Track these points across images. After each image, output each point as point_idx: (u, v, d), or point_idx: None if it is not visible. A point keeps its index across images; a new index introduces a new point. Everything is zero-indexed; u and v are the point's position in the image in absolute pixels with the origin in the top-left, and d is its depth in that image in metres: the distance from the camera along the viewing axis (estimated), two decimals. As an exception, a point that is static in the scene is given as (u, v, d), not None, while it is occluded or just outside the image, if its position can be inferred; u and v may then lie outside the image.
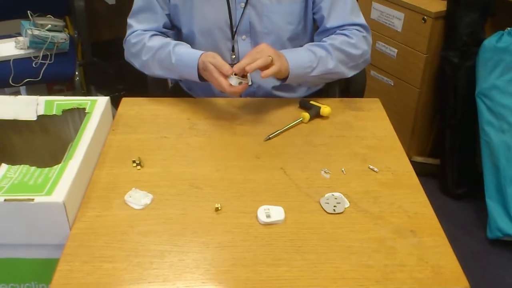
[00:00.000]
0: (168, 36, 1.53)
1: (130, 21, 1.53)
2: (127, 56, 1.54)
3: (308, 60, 1.40)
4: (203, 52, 1.37)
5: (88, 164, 1.16)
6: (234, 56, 1.50)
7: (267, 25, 1.46)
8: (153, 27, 1.50)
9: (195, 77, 1.38)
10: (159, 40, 1.46)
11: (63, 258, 0.96)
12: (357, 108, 1.46)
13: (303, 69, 1.39)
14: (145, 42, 1.47)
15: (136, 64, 1.51)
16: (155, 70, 1.48)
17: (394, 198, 1.13)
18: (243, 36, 1.48)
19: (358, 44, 1.47)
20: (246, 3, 1.44)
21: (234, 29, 1.46)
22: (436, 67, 2.32)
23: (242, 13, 1.45)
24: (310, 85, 1.59)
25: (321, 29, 1.53)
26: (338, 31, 1.49)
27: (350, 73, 1.49)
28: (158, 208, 1.08)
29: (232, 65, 1.47)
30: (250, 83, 1.34)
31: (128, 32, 1.52)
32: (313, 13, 1.53)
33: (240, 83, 1.29)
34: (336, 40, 1.45)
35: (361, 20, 1.51)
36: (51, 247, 1.03)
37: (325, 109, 1.39)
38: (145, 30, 1.50)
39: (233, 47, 1.49)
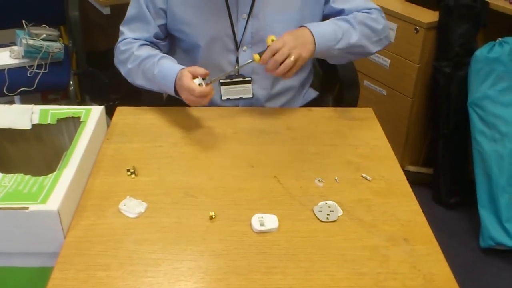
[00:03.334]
0: (159, 48, 1.54)
1: (122, 28, 1.54)
2: (116, 62, 1.55)
3: (332, 32, 1.39)
4: (184, 67, 1.38)
5: (83, 172, 1.16)
6: (236, 67, 1.50)
7: (269, 35, 1.46)
8: (144, 37, 1.51)
9: (171, 90, 1.38)
10: (146, 51, 1.47)
11: (58, 267, 0.96)
12: (351, 118, 1.47)
13: (328, 42, 1.38)
14: (133, 51, 1.48)
15: (122, 71, 1.52)
16: (137, 80, 1.49)
17: (387, 207, 1.13)
18: (244, 47, 1.49)
19: (379, 19, 1.48)
20: (249, 15, 1.45)
21: (239, 41, 1.47)
22: (429, 77, 2.34)
23: (246, 25, 1.46)
24: (337, 62, 1.55)
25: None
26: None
27: (374, 49, 1.48)
28: (153, 217, 1.09)
29: (234, 76, 1.48)
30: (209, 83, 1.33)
31: (120, 39, 1.54)
32: (325, 13, 1.52)
33: (200, 84, 1.29)
34: (357, 15, 1.46)
35: (375, 5, 1.52)
36: (45, 255, 1.03)
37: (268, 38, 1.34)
38: (135, 39, 1.51)
39: (237, 58, 1.49)
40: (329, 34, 1.38)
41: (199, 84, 1.29)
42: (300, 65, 1.33)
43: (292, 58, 1.29)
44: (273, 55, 1.30)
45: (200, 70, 1.31)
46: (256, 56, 1.32)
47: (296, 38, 1.33)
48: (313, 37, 1.35)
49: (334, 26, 1.40)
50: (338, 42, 1.39)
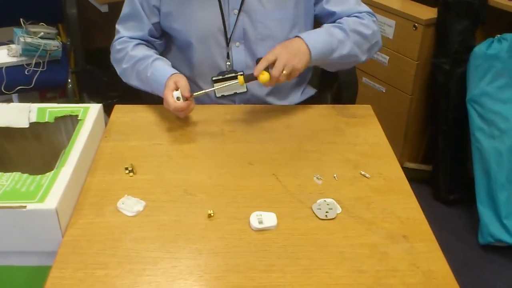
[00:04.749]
0: (154, 46, 1.54)
1: (118, 26, 1.55)
2: (111, 60, 1.56)
3: (328, 42, 1.39)
4: (176, 72, 1.39)
5: (81, 171, 1.16)
6: (229, 63, 1.50)
7: (261, 31, 1.47)
8: (139, 35, 1.51)
9: (161, 94, 1.39)
10: (142, 51, 1.47)
11: (56, 265, 0.95)
12: (349, 115, 1.47)
13: (323, 53, 1.38)
14: (128, 50, 1.48)
15: (117, 70, 1.53)
16: (131, 80, 1.49)
17: (386, 204, 1.13)
18: (237, 43, 1.49)
19: (370, 24, 1.47)
20: (239, 10, 1.45)
21: (228, 36, 1.47)
22: (428, 74, 2.34)
23: (236, 20, 1.46)
24: (328, 69, 1.56)
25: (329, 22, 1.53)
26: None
27: (364, 57, 1.48)
28: (151, 215, 1.08)
29: (226, 72, 1.48)
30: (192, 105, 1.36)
31: (115, 37, 1.54)
32: (316, 13, 1.53)
33: (178, 98, 1.31)
34: (349, 21, 1.46)
35: (367, 8, 1.52)
36: (43, 254, 1.03)
37: (262, 76, 1.32)
38: (131, 37, 1.51)
39: (227, 54, 1.50)
40: (324, 45, 1.39)
41: (177, 98, 1.31)
42: (295, 76, 1.34)
43: (285, 72, 1.30)
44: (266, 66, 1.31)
45: (181, 83, 1.33)
46: (241, 79, 1.34)
47: (290, 50, 1.33)
48: (308, 48, 1.35)
49: (328, 36, 1.40)
50: (333, 53, 1.40)
